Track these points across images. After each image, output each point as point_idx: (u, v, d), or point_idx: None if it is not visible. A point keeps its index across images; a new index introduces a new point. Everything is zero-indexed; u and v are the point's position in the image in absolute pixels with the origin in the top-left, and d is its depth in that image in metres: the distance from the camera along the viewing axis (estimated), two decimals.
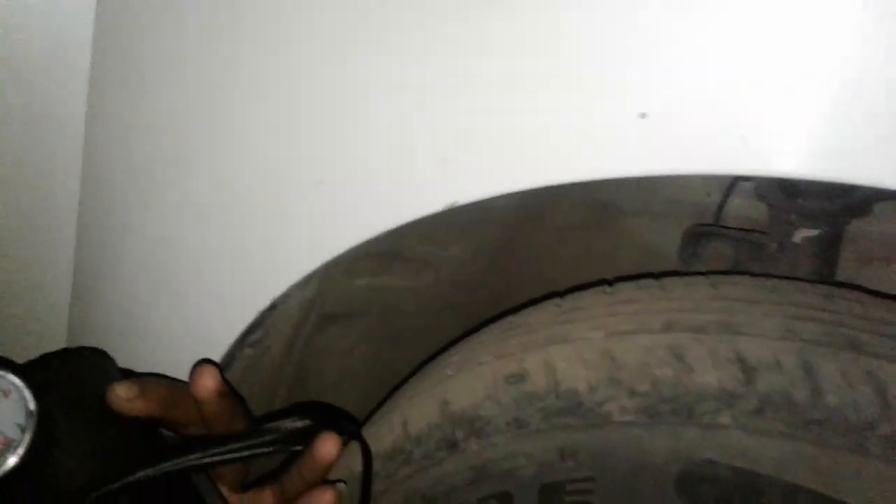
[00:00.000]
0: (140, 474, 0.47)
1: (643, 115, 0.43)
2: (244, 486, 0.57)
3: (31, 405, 0.46)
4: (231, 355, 0.59)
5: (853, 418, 0.49)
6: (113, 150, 0.56)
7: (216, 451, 0.49)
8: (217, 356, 0.57)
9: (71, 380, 0.51)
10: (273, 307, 0.56)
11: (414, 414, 0.60)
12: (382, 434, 0.62)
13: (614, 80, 0.43)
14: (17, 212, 0.59)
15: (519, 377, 0.56)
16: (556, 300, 0.66)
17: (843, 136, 0.44)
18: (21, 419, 0.45)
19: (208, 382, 0.50)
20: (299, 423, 0.52)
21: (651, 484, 0.52)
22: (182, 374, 0.54)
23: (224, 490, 0.55)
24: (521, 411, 0.55)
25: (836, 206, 0.70)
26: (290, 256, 0.53)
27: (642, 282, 0.64)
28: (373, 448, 0.60)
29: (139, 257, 0.57)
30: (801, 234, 0.72)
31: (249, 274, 0.55)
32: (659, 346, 0.54)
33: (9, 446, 0.45)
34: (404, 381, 0.69)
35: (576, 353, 0.56)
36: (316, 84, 0.49)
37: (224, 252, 0.54)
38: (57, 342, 0.60)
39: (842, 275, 0.81)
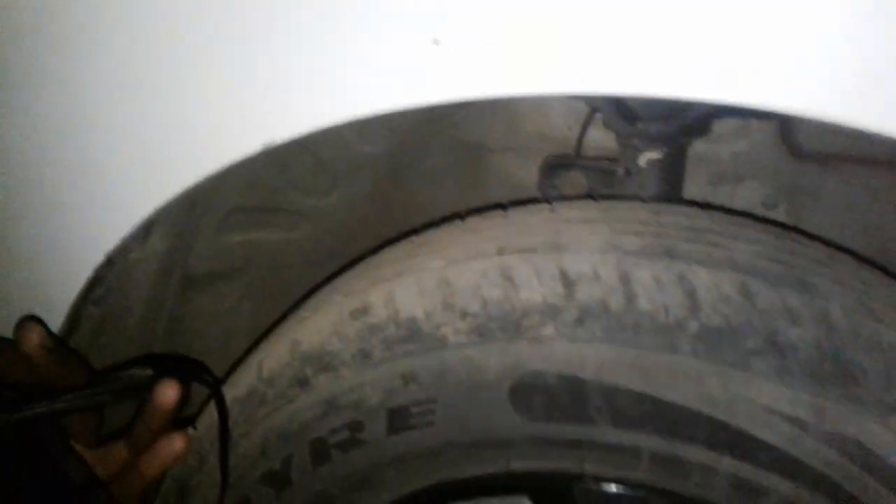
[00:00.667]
0: None
1: (436, 42, 0.45)
2: (98, 442, 0.57)
3: None
4: (75, 315, 0.59)
5: (664, 320, 0.52)
6: None
7: (50, 402, 0.49)
8: (60, 318, 0.57)
9: None
10: (110, 262, 0.56)
11: (267, 357, 0.62)
12: (239, 379, 0.63)
13: (406, 8, 0.44)
14: None
15: (363, 311, 0.58)
16: (411, 237, 0.68)
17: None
18: None
19: (32, 337, 0.50)
20: (142, 373, 0.53)
21: (488, 399, 0.55)
22: None
23: (78, 447, 0.55)
24: (364, 343, 0.57)
25: (674, 127, 0.73)
26: (114, 208, 0.53)
27: (490, 213, 0.66)
28: (230, 393, 0.62)
29: None
30: (646, 157, 0.75)
31: (77, 231, 0.54)
32: (490, 269, 0.56)
33: None
34: (268, 330, 0.70)
35: (416, 284, 0.58)
36: (121, 45, 0.49)
37: (50, 210, 0.54)
38: None
39: (693, 196, 0.85)
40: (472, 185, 0.95)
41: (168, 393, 0.52)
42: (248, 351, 0.69)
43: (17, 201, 0.54)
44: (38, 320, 0.52)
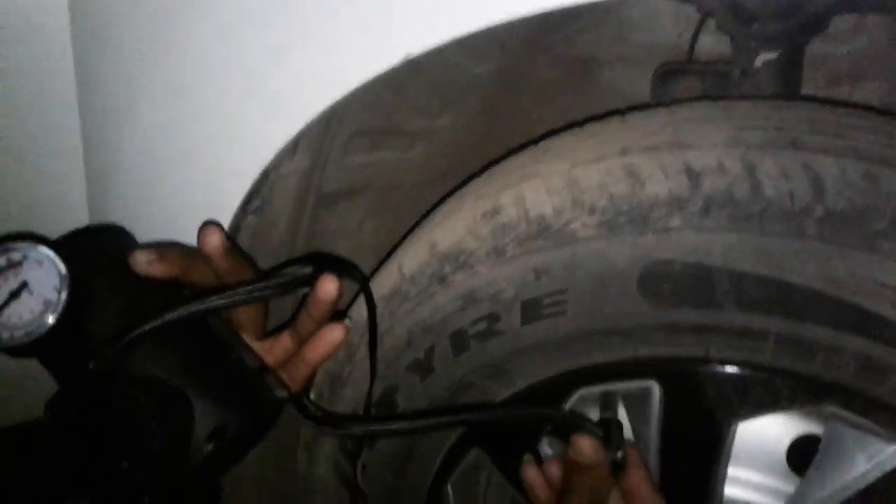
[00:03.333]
0: (161, 319, 0.53)
1: None
2: (264, 336, 0.64)
3: (63, 270, 0.53)
4: (236, 224, 0.65)
5: (789, 206, 0.54)
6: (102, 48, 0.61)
7: (228, 294, 0.56)
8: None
9: (96, 248, 0.59)
10: (265, 175, 0.62)
11: (407, 258, 0.67)
12: (382, 279, 0.69)
13: None
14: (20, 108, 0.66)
15: (494, 212, 0.62)
16: (531, 145, 0.71)
17: None
18: (56, 283, 0.53)
19: (214, 239, 0.56)
20: (304, 270, 0.59)
21: (617, 289, 0.58)
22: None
23: (247, 339, 0.62)
24: (497, 241, 0.61)
25: (791, 26, 0.72)
26: (269, 125, 0.58)
27: (607, 118, 0.68)
28: (375, 292, 0.67)
29: (140, 143, 0.63)
30: (762, 58, 0.75)
31: (237, 147, 0.60)
32: (615, 168, 0.59)
33: (48, 307, 0.52)
34: (403, 238, 0.75)
35: (543, 184, 0.61)
36: None
37: (211, 130, 0.60)
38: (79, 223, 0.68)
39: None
40: (580, 99, 0.97)
41: (329, 286, 0.58)
42: (387, 256, 0.74)
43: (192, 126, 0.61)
44: (218, 224, 0.58)
